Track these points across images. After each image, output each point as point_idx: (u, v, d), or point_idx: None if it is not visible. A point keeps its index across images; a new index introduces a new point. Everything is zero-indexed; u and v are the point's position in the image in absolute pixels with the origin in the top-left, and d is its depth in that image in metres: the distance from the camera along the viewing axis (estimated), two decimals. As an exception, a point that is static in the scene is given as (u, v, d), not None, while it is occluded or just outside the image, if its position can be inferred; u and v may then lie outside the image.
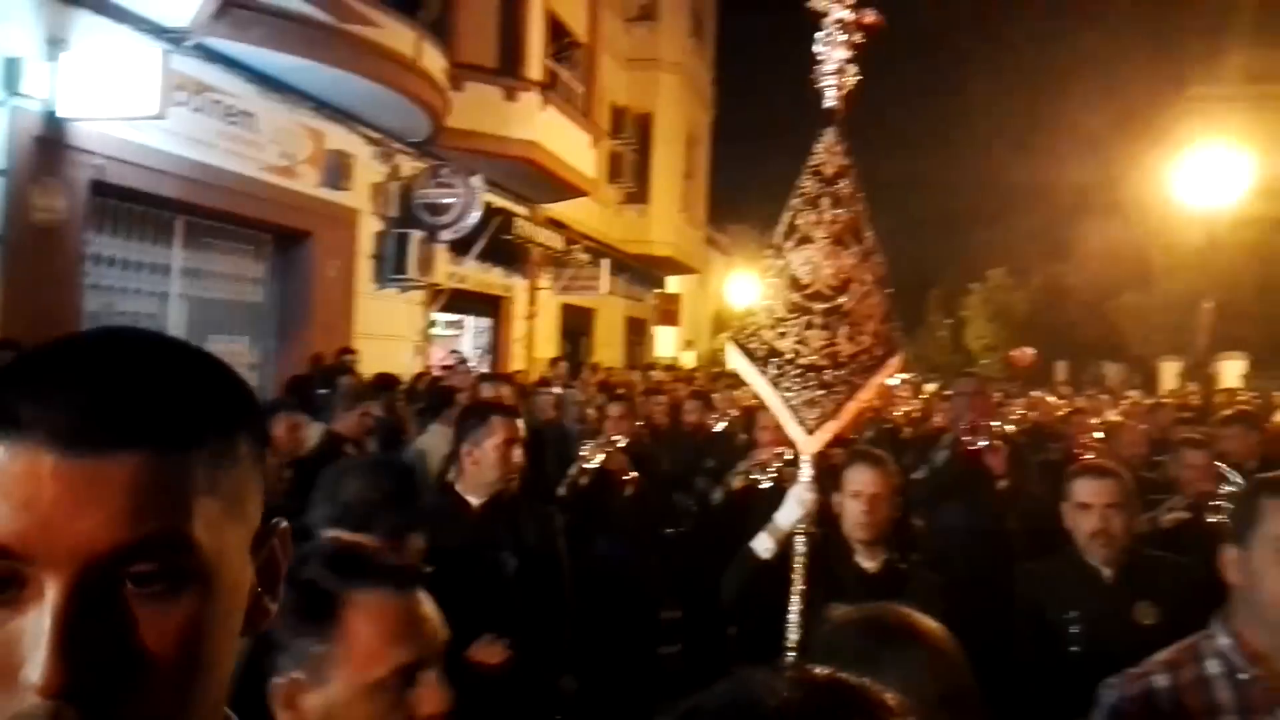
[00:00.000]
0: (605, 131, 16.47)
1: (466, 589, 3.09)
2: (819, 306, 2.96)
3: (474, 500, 3.53)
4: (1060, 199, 39.14)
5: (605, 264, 16.56)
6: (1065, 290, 37.50)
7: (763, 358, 3.02)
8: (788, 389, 2.98)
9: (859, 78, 3.10)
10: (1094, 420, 8.12)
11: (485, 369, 13.30)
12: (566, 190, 14.37)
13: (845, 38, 3.06)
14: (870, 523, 3.14)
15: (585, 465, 5.11)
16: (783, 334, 2.99)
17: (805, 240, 3.01)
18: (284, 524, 0.77)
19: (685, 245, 21.14)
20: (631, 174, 19.40)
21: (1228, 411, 7.35)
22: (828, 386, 2.93)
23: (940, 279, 48.61)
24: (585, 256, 15.56)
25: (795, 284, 3.00)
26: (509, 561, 3.37)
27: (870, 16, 3.06)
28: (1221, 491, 4.23)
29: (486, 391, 6.15)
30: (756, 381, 3.07)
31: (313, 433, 5.28)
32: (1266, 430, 8.22)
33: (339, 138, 10.13)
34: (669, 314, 23.17)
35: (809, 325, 2.96)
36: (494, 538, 3.42)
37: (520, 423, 3.70)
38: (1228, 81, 34.20)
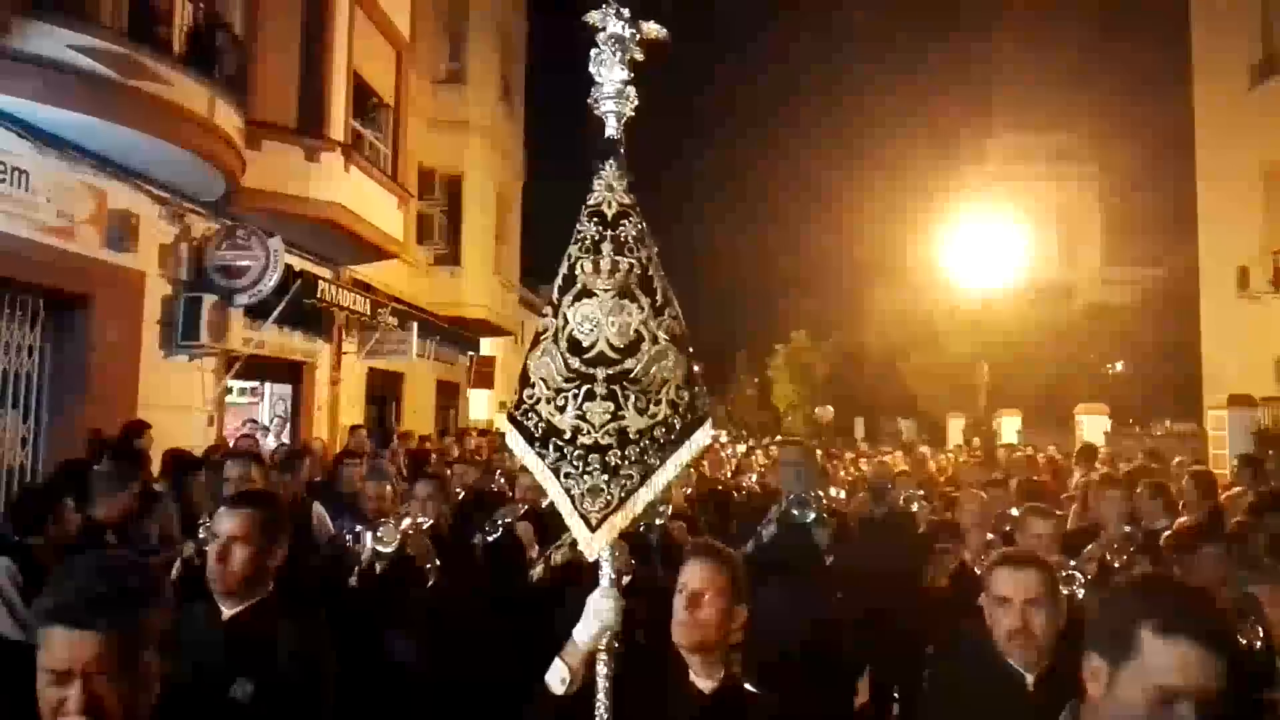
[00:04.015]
0: (413, 193, 16.29)
1: None
2: (602, 373, 2.48)
3: (225, 610, 2.97)
4: (856, 266, 41.54)
5: (415, 327, 16.25)
6: (860, 351, 39.56)
7: (541, 437, 2.52)
8: (568, 475, 2.48)
9: (636, 103, 2.70)
10: (915, 478, 8.33)
11: (285, 439, 12.78)
12: (373, 252, 14.08)
13: (624, 56, 2.67)
14: (693, 624, 2.62)
15: (380, 549, 4.49)
16: (561, 407, 2.49)
17: (585, 294, 2.54)
18: None
19: (499, 306, 21.05)
20: (442, 236, 19.20)
21: (1101, 473, 7.43)
22: (613, 470, 2.44)
23: (748, 341, 50.34)
24: (393, 320, 15.21)
25: (574, 347, 2.51)
26: (242, 689, 2.74)
27: (653, 31, 2.71)
28: (1072, 564, 3.97)
29: (231, 471, 5.33)
30: (535, 466, 2.55)
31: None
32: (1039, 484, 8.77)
33: (124, 197, 9.55)
34: (484, 376, 22.91)
35: (590, 396, 2.47)
36: (235, 658, 2.82)
37: (246, 516, 3.05)
38: (996, 161, 37.45)
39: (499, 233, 21.10)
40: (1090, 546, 4.67)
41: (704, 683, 2.62)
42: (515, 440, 2.59)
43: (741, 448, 19.66)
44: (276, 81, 11.69)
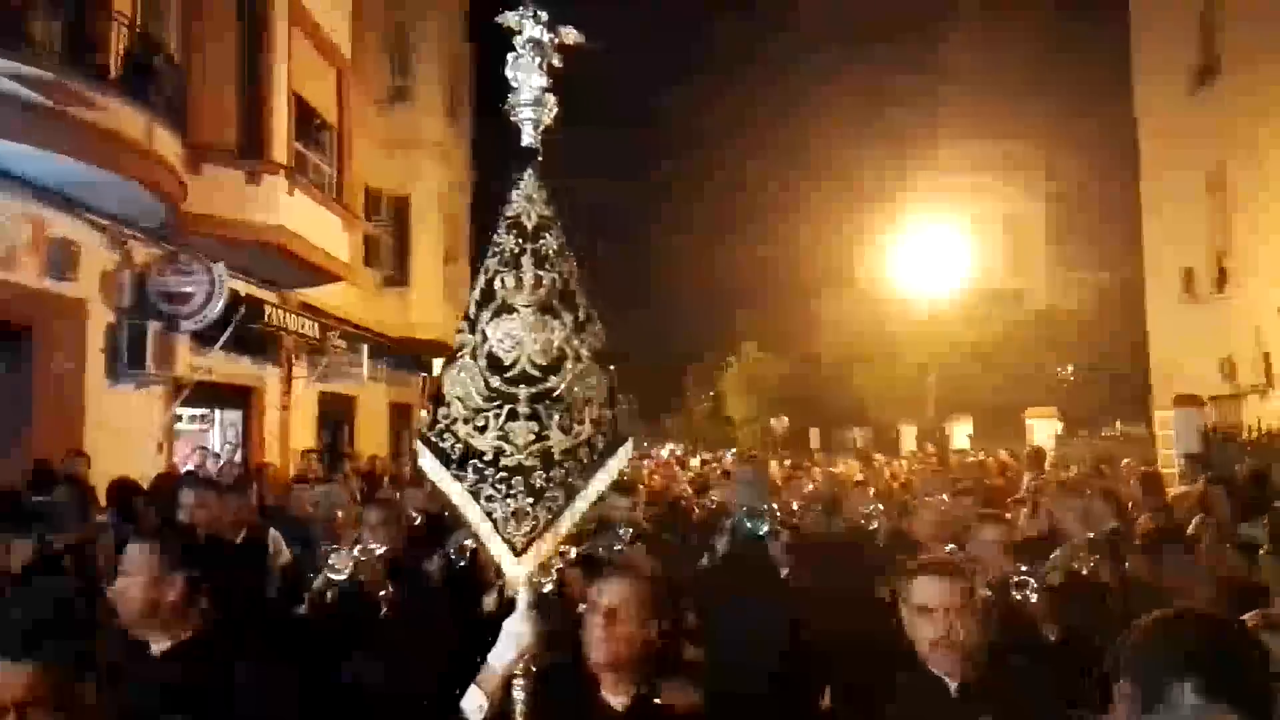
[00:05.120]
0: (359, 215, 16.17)
1: None
2: (524, 391, 2.41)
3: (155, 645, 2.84)
4: (806, 276, 41.77)
5: (365, 349, 16.11)
6: (813, 361, 39.77)
7: (458, 460, 2.43)
8: (490, 498, 2.39)
9: (556, 110, 2.61)
10: (871, 489, 8.29)
11: (238, 463, 12.58)
12: (320, 275, 13.96)
13: (542, 61, 2.58)
14: (608, 640, 2.59)
15: (332, 577, 4.43)
16: (481, 428, 2.41)
17: (505, 310, 2.47)
18: None
19: (450, 327, 20.88)
20: (390, 257, 19.12)
21: (1069, 477, 7.47)
22: (538, 493, 2.37)
23: (700, 354, 50.43)
24: (342, 343, 15.07)
25: (495, 364, 2.44)
26: None
27: (571, 36, 2.62)
28: (1024, 569, 3.88)
29: (185, 498, 5.29)
30: (452, 490, 2.46)
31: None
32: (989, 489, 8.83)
33: (63, 225, 9.40)
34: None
35: (512, 415, 2.40)
36: (166, 695, 2.65)
37: (138, 551, 2.95)
38: (943, 169, 37.96)
39: (449, 253, 21.00)
40: (1056, 554, 4.69)
41: (617, 700, 2.61)
42: (429, 462, 2.48)
43: (695, 461, 19.74)
44: (216, 104, 11.58)
